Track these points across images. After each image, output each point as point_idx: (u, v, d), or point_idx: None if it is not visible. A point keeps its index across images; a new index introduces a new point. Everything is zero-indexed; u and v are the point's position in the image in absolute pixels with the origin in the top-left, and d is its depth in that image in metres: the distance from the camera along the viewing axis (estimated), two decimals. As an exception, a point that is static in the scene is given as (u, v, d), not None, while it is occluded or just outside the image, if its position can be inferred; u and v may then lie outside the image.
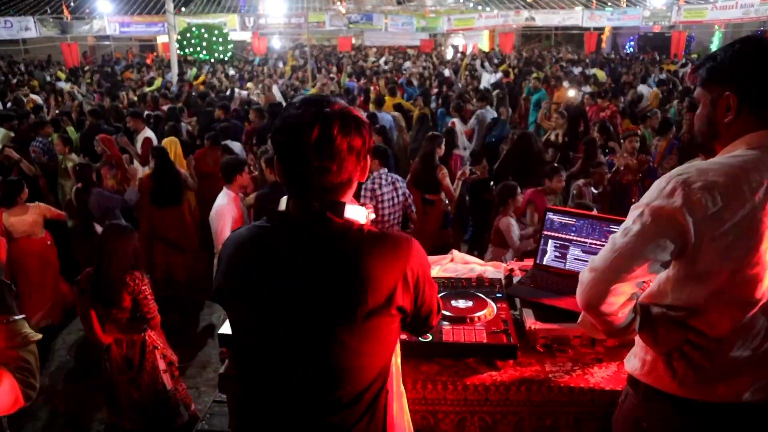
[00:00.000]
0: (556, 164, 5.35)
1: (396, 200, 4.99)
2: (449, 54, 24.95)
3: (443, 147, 5.51)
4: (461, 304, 2.05)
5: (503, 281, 2.29)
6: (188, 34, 20.26)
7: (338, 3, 26.03)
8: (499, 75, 13.80)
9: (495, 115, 7.91)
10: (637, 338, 1.54)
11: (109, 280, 3.39)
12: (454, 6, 27.51)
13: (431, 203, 5.64)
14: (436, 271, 2.53)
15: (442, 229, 5.73)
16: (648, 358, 1.51)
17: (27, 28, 19.48)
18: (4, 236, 4.74)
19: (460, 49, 26.62)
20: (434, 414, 1.80)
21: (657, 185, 1.38)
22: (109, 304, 3.42)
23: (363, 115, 1.33)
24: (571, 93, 10.09)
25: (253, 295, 1.29)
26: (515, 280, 2.33)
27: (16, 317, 1.46)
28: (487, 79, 14.01)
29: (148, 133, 7.13)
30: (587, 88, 11.20)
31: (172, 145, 6.39)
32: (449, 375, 1.82)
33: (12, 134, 7.38)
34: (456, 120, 7.50)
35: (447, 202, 5.70)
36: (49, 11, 20.87)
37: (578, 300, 1.45)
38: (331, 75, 16.05)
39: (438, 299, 1.47)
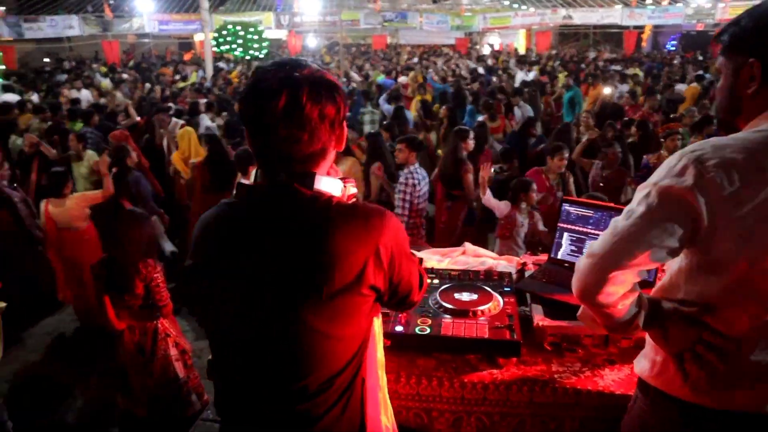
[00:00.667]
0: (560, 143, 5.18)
1: (426, 195, 5.02)
2: (486, 51, 24.67)
3: (470, 142, 5.37)
4: (465, 297, 1.94)
5: (514, 275, 2.17)
6: (224, 32, 20.51)
7: (372, 1, 25.98)
8: (533, 74, 13.51)
9: (531, 113, 7.73)
10: (647, 338, 1.40)
11: (123, 267, 3.38)
12: (490, 4, 27.16)
13: (456, 199, 5.51)
14: (445, 263, 2.42)
15: (466, 225, 5.59)
16: (658, 359, 1.36)
17: (71, 26, 20.05)
18: (52, 227, 4.83)
19: (496, 47, 26.31)
20: (428, 412, 1.69)
21: (667, 163, 1.23)
22: (121, 290, 3.42)
23: (336, 79, 1.22)
24: (607, 91, 9.79)
25: (217, 273, 1.21)
26: (527, 274, 2.20)
27: None
28: (521, 77, 13.75)
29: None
30: (625, 87, 10.86)
31: (186, 134, 6.67)
32: (446, 371, 1.71)
33: (45, 125, 7.59)
34: (485, 117, 7.34)
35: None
36: (90, 9, 21.43)
37: (573, 288, 1.31)
38: (364, 72, 16.00)
39: (420, 274, 1.36)
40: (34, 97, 10.41)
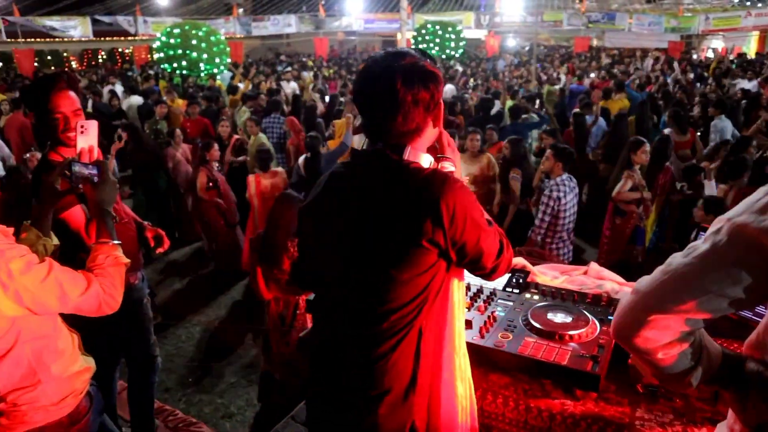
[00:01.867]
0: None
1: (575, 207, 4.63)
2: (710, 55, 22.00)
3: (642, 156, 4.89)
4: (558, 318, 1.81)
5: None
6: (423, 31, 21.24)
7: (578, 1, 24.68)
8: (754, 83, 11.71)
9: (729, 130, 6.70)
10: None
11: (274, 244, 3.72)
12: (716, 3, 24.09)
13: (623, 214, 5.08)
14: (560, 281, 2.27)
15: (630, 244, 5.12)
16: (736, 429, 1.14)
17: (289, 24, 22.52)
18: (259, 197, 5.62)
19: (719, 52, 23.31)
20: (488, 429, 1.62)
21: (752, 196, 1.01)
22: (271, 264, 3.77)
23: (437, 69, 1.39)
24: None
25: (319, 214, 1.48)
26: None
27: (114, 242, 1.75)
28: (743, 86, 11.99)
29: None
30: None
31: (338, 125, 7.31)
32: (515, 391, 1.62)
33: (251, 110, 8.69)
34: (669, 131, 6.55)
35: (643, 215, 5.07)
36: (304, 9, 23.77)
37: (611, 326, 1.15)
38: (559, 75, 15.34)
39: (501, 244, 1.45)
40: (241, 86, 11.84)
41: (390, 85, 1.32)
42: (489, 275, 1.47)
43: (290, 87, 12.50)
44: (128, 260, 1.76)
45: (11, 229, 1.59)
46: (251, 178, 5.78)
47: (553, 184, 4.40)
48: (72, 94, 2.19)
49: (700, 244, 1.04)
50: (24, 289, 1.47)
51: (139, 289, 2.68)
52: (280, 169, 6.07)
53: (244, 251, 5.81)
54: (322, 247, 1.48)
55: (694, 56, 21.97)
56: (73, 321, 1.84)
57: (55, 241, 1.86)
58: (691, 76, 14.14)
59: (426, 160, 1.44)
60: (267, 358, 4.06)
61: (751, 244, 0.96)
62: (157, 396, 3.89)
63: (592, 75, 14.55)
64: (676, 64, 15.36)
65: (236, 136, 6.85)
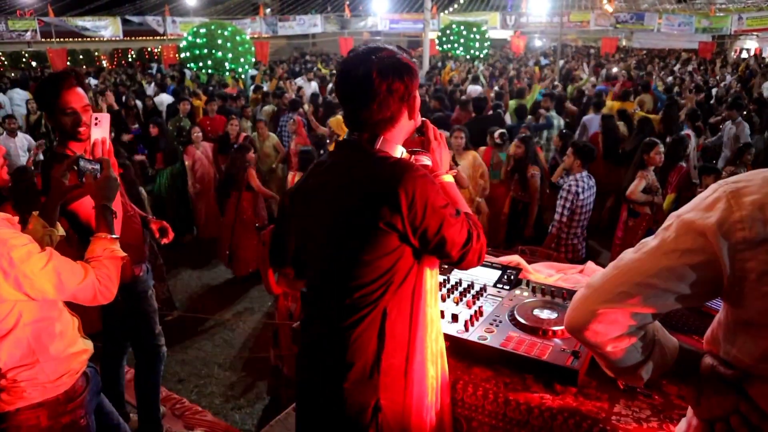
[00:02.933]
0: None
1: (591, 205, 4.73)
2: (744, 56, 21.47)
3: (656, 156, 4.83)
4: (543, 314, 1.83)
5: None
6: (448, 31, 21.17)
7: (606, 2, 24.30)
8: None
9: (747, 133, 6.52)
10: None
11: (285, 242, 3.78)
12: (751, 3, 23.48)
13: (636, 215, 5.03)
14: (554, 279, 2.28)
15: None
16: (693, 423, 1.14)
17: (315, 24, 22.72)
18: None
19: (752, 53, 22.74)
20: (468, 420, 1.65)
21: (702, 194, 1.02)
22: (280, 261, 3.83)
23: (412, 63, 1.49)
24: None
25: (301, 207, 1.61)
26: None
27: (112, 236, 1.83)
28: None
29: None
30: None
31: (334, 121, 7.52)
32: (495, 384, 1.65)
33: (274, 109, 8.82)
34: (689, 131, 6.45)
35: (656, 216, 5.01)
36: (329, 9, 23.95)
37: (564, 320, 1.16)
38: (582, 75, 15.15)
39: (467, 235, 1.48)
40: (265, 87, 11.99)
41: (366, 74, 1.41)
42: (457, 264, 1.52)
43: (311, 87, 12.61)
44: (125, 254, 1.84)
45: (16, 218, 1.68)
46: (290, 176, 5.90)
47: (572, 180, 4.55)
48: (80, 90, 2.29)
49: (650, 240, 1.06)
50: (24, 276, 1.55)
51: (144, 281, 2.76)
52: None
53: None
54: (306, 231, 1.60)
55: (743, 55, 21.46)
56: (80, 308, 1.94)
57: (61, 231, 1.95)
58: (728, 78, 13.82)
59: (398, 151, 1.52)
60: (276, 352, 4.13)
61: (696, 240, 0.97)
62: (170, 386, 4.00)
63: (614, 69, 14.32)
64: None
65: (243, 134, 6.94)
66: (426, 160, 1.59)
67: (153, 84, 13.32)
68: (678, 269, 0.98)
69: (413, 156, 1.58)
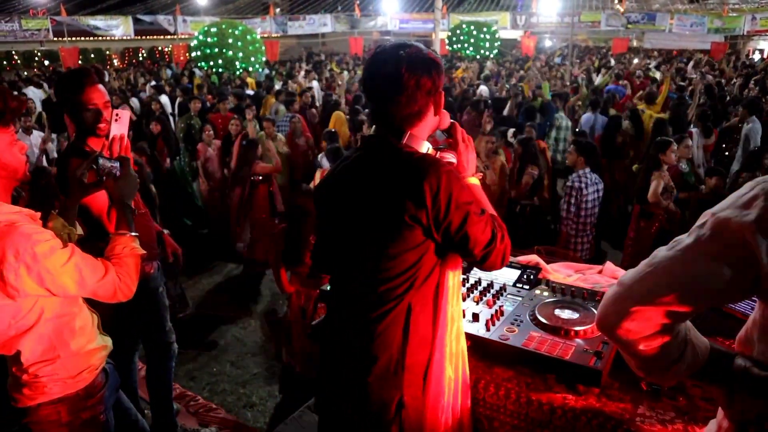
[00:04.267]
0: None
1: (597, 202, 4.76)
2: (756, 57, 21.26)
3: (671, 155, 4.80)
4: (565, 314, 1.82)
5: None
6: (458, 31, 21.16)
7: (617, 2, 24.16)
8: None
9: (758, 135, 6.44)
10: None
11: (296, 239, 3.78)
12: (764, 3, 23.26)
13: (649, 216, 4.99)
14: (573, 279, 2.27)
15: (655, 246, 5.03)
16: (724, 425, 1.13)
17: (324, 24, 22.76)
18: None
19: (766, 54, 22.54)
20: (490, 420, 1.64)
21: (738, 191, 1.01)
22: (293, 260, 3.82)
23: (438, 59, 1.50)
24: None
25: (327, 201, 1.63)
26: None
27: (131, 233, 1.85)
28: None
29: None
30: None
31: (334, 117, 7.82)
32: (517, 384, 1.64)
33: (283, 107, 8.85)
34: (695, 130, 6.39)
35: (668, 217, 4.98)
36: (339, 8, 23.98)
37: (596, 317, 1.14)
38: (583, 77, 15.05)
39: (493, 232, 1.48)
40: (277, 86, 12.02)
41: (395, 69, 1.43)
42: (480, 263, 1.52)
43: (314, 86, 12.64)
44: (144, 251, 1.85)
45: (38, 214, 1.68)
46: (318, 173, 5.92)
47: (575, 176, 4.65)
48: (102, 87, 2.30)
49: (685, 238, 1.04)
50: (46, 271, 1.56)
51: (155, 278, 2.77)
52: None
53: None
54: (332, 225, 1.62)
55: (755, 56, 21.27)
56: (96, 306, 1.95)
57: (79, 230, 1.96)
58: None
59: (424, 147, 1.53)
60: (288, 351, 4.13)
61: (733, 238, 0.96)
62: (182, 383, 4.01)
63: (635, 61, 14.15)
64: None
65: (242, 134, 6.96)
66: (451, 158, 1.59)
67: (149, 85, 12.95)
68: (714, 268, 0.97)
69: (439, 152, 1.58)
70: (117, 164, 1.88)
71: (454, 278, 1.54)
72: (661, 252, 1.06)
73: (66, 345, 1.73)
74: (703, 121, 6.29)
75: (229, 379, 4.26)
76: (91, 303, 1.89)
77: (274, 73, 15.19)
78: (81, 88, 2.27)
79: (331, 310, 1.69)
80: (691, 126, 6.83)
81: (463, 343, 1.60)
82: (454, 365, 1.55)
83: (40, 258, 1.54)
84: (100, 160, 1.85)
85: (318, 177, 5.90)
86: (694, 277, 0.99)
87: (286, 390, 4.03)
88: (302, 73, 14.18)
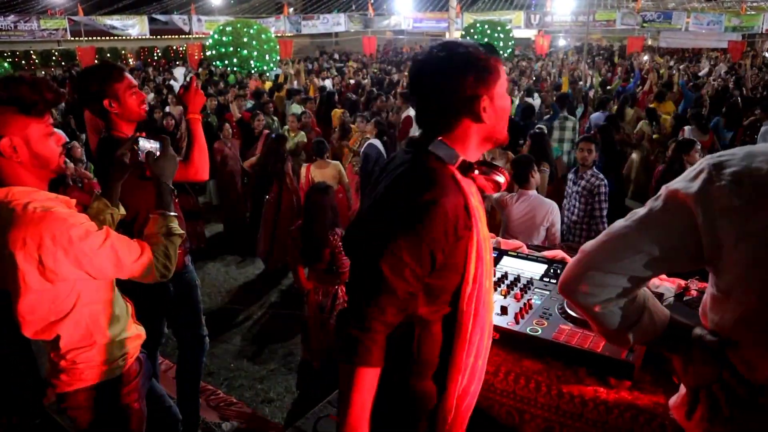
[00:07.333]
0: None
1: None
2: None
3: (695, 155, 4.74)
4: (594, 308, 1.80)
5: (666, 299, 1.93)
6: (472, 30, 21.08)
7: (632, 1, 23.97)
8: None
9: None
10: None
11: (312, 237, 3.77)
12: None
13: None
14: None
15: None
16: (682, 392, 1.22)
17: (338, 23, 22.83)
18: (309, 185, 5.71)
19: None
20: (521, 413, 1.63)
21: (691, 167, 1.09)
22: (311, 258, 3.82)
23: (480, 56, 1.33)
24: None
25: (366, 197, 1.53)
26: (685, 300, 1.93)
27: (170, 213, 1.86)
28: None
29: (411, 112, 7.91)
30: None
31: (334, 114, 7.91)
32: (548, 377, 1.63)
33: (300, 107, 8.86)
34: (687, 128, 6.28)
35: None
36: (353, 8, 24.03)
37: (558, 281, 1.23)
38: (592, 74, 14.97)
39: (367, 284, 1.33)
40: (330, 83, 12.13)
41: (431, 72, 1.33)
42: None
43: (327, 84, 12.71)
44: (183, 231, 1.87)
45: (74, 200, 1.71)
46: (303, 168, 5.91)
47: (596, 173, 4.52)
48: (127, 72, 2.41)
49: (640, 210, 1.12)
50: (83, 254, 1.58)
51: (190, 272, 2.80)
52: (335, 162, 6.04)
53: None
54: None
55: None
56: (131, 297, 1.98)
57: (122, 211, 2.00)
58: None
59: (452, 157, 1.35)
60: (306, 346, 4.13)
61: (679, 208, 1.04)
62: (201, 378, 4.04)
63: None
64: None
65: (266, 132, 6.99)
66: (499, 177, 1.40)
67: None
68: (662, 236, 1.06)
69: (480, 167, 1.38)
70: (157, 144, 1.91)
71: (472, 302, 1.41)
72: (619, 222, 1.15)
73: (102, 331, 1.75)
74: (696, 119, 6.35)
75: (246, 374, 4.28)
76: (126, 294, 1.92)
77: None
78: (122, 74, 2.36)
79: None
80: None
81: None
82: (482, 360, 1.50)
83: (76, 241, 1.56)
84: (140, 141, 1.89)
85: (302, 173, 5.88)
86: (646, 243, 1.07)
87: (304, 386, 4.03)
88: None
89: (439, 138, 1.36)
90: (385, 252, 1.26)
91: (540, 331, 1.70)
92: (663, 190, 1.10)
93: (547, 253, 2.29)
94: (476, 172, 1.37)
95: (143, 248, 1.72)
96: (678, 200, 1.05)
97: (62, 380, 1.74)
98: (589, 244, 1.17)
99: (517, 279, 2.04)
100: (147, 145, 1.88)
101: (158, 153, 1.89)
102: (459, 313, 1.37)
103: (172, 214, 1.85)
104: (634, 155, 6.81)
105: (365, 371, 1.26)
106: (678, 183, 1.07)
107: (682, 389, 1.25)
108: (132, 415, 1.86)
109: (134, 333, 1.90)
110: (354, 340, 1.26)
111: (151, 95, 11.12)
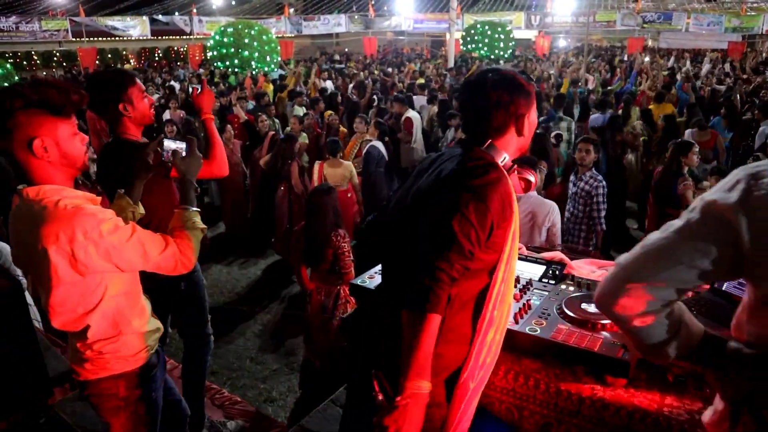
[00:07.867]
0: None
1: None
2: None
3: (693, 157, 4.79)
4: (591, 308, 1.85)
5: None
6: (472, 31, 21.09)
7: (632, 1, 23.99)
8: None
9: None
10: None
11: (315, 237, 3.81)
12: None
13: (669, 218, 4.99)
14: (597, 275, 2.30)
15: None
16: (719, 407, 1.20)
17: (339, 24, 22.89)
18: (319, 182, 5.77)
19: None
20: (520, 409, 1.68)
21: (725, 178, 1.10)
22: (314, 258, 3.86)
23: (526, 84, 1.65)
24: None
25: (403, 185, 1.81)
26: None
27: (193, 208, 1.94)
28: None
29: (411, 113, 8.06)
30: None
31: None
32: (546, 375, 1.68)
33: (303, 109, 8.91)
34: (687, 132, 6.34)
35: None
36: (354, 8, 24.08)
37: (594, 296, 1.23)
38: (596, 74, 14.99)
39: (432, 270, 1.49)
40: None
41: (482, 84, 1.63)
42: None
43: (327, 85, 12.75)
44: (205, 226, 1.94)
45: (99, 198, 1.79)
46: (316, 166, 5.97)
47: (595, 175, 4.56)
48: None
49: (676, 221, 1.12)
50: (112, 247, 1.65)
51: (197, 270, 2.85)
52: (347, 162, 6.10)
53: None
54: (398, 211, 1.74)
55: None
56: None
57: (142, 210, 2.08)
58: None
59: (501, 156, 1.64)
60: (308, 346, 4.18)
61: (719, 218, 1.04)
62: (204, 377, 4.09)
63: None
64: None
65: (272, 132, 7.04)
66: (530, 176, 1.76)
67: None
68: (701, 247, 1.05)
69: (516, 166, 1.70)
70: (183, 145, 2.01)
71: (501, 284, 1.59)
72: (655, 234, 1.14)
73: (128, 323, 1.83)
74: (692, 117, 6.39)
75: (249, 374, 4.33)
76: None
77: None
78: (133, 79, 2.48)
79: (380, 302, 1.75)
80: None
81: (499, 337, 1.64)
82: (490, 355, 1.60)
83: (106, 235, 1.63)
84: (165, 142, 1.97)
85: (314, 171, 5.94)
86: (684, 255, 1.07)
87: (307, 385, 4.08)
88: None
89: (490, 141, 1.64)
90: (457, 214, 1.48)
91: (539, 331, 1.75)
92: (698, 201, 1.11)
93: (546, 255, 2.34)
94: (515, 172, 1.68)
95: (167, 241, 1.80)
96: (716, 211, 1.05)
97: (87, 369, 1.82)
98: (624, 258, 1.17)
99: (517, 280, 2.09)
100: (172, 145, 2.01)
101: (184, 153, 1.99)
102: (488, 287, 1.58)
103: (196, 209, 1.93)
104: (630, 156, 6.86)
105: (434, 318, 1.43)
106: (715, 194, 1.08)
107: (717, 405, 1.24)
108: (149, 404, 1.94)
109: (154, 326, 1.98)
110: (427, 289, 1.44)
111: (155, 96, 11.16)
